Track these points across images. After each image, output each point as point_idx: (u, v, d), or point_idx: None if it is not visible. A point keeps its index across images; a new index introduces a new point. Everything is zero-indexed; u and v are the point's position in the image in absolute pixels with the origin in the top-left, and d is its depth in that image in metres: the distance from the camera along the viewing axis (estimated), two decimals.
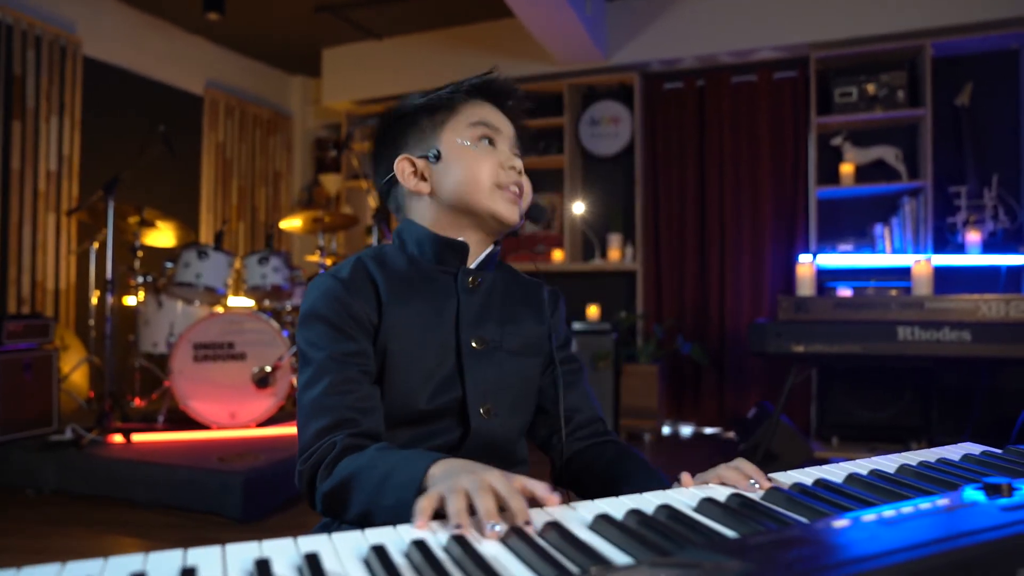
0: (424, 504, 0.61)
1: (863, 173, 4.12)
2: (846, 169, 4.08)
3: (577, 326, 4.40)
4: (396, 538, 0.54)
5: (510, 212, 0.97)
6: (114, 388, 3.51)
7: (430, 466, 0.71)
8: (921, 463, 0.77)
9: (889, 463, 0.78)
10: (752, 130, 4.42)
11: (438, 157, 0.97)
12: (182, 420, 3.46)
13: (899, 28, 3.93)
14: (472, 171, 0.96)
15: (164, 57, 4.87)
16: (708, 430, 4.51)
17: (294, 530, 2.76)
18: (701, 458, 3.84)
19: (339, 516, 0.81)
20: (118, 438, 3.16)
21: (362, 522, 0.75)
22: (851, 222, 4.22)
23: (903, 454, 0.83)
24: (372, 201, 4.14)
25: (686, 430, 4.55)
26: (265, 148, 5.71)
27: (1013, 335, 2.81)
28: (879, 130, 4.17)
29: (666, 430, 4.52)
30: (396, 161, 0.99)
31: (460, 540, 0.51)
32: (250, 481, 2.69)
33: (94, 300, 3.86)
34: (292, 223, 4.02)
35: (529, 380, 1.02)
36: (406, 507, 0.68)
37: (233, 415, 3.43)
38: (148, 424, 3.45)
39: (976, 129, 3.91)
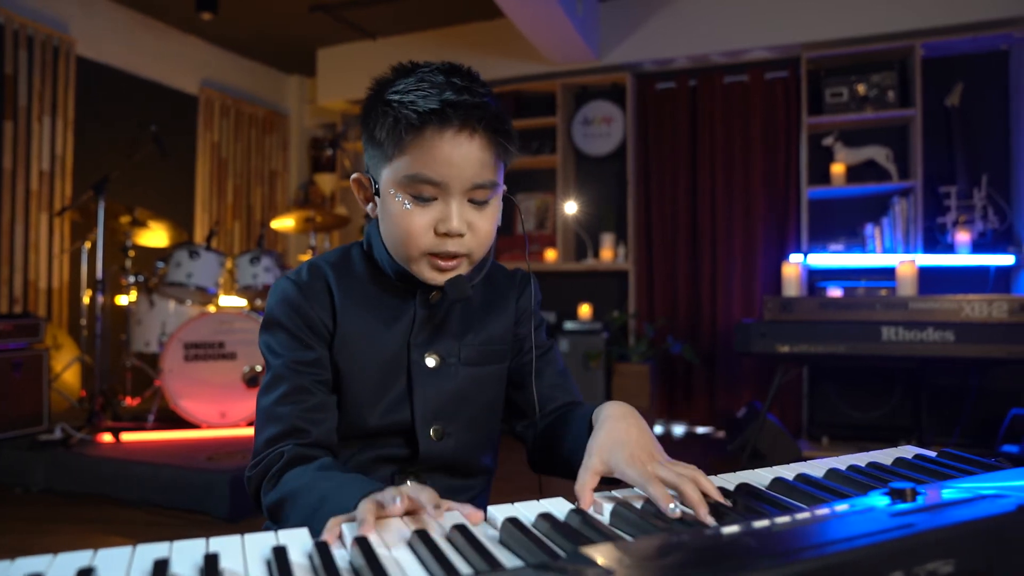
0: (332, 522, 0.60)
1: (854, 173, 4.12)
2: (837, 169, 4.08)
3: (569, 325, 4.42)
4: (306, 539, 0.56)
5: (433, 278, 0.89)
6: (105, 387, 3.53)
7: (363, 498, 0.68)
8: (850, 467, 0.78)
9: (820, 467, 0.79)
10: (744, 130, 4.42)
11: (378, 193, 0.90)
12: (172, 419, 3.48)
13: (889, 29, 3.93)
14: (399, 232, 0.87)
15: (158, 57, 4.89)
16: (700, 429, 4.52)
17: None
18: (693, 457, 3.83)
19: (281, 528, 0.81)
20: (108, 437, 3.18)
21: None
22: (842, 222, 4.22)
23: (840, 457, 0.84)
24: None
25: (678, 429, 4.56)
26: (261, 147, 5.72)
27: (995, 335, 2.82)
28: (870, 130, 4.17)
29: (658, 429, 4.53)
30: (352, 177, 0.95)
31: (362, 543, 0.52)
32: (237, 480, 2.71)
33: (86, 299, 3.88)
34: (284, 223, 4.04)
35: (491, 390, 0.99)
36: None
37: (223, 414, 3.45)
38: (138, 423, 3.47)
39: (966, 129, 3.91)
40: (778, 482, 0.72)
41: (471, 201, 0.86)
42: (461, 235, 0.86)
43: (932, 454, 0.83)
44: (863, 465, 0.79)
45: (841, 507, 0.55)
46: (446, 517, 0.61)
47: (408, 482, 0.72)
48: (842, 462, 0.81)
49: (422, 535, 0.53)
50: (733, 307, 4.39)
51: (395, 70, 0.88)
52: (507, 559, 0.52)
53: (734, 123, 4.44)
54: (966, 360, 2.91)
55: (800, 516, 0.52)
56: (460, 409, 0.95)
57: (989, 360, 2.86)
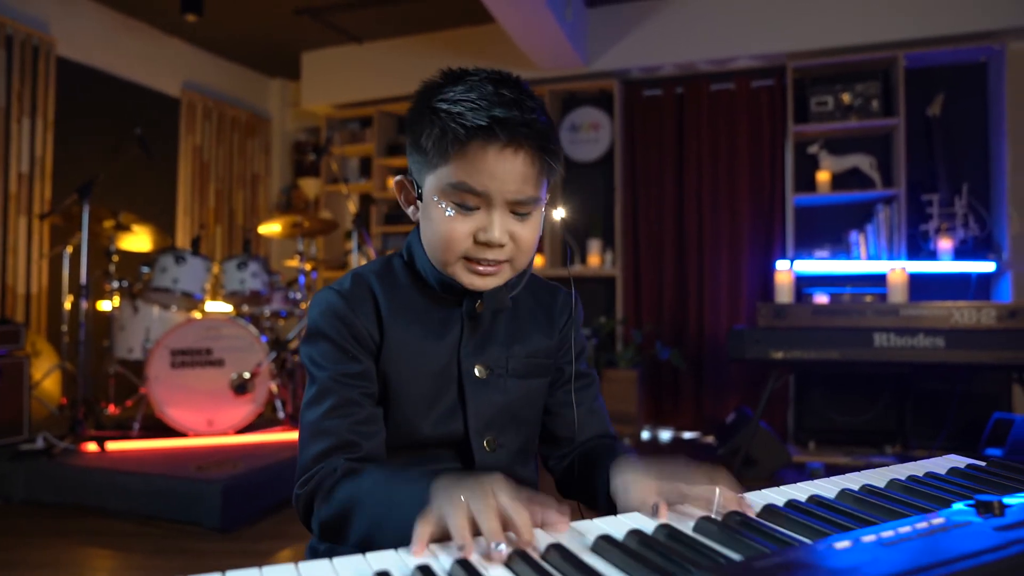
0: (422, 530, 0.59)
1: (839, 181, 4.19)
2: (822, 177, 4.14)
3: None
4: (399, 563, 0.54)
5: (472, 282, 0.88)
6: (87, 395, 3.44)
7: (434, 484, 0.68)
8: (910, 478, 0.78)
9: (878, 477, 0.79)
10: (730, 137, 4.47)
11: (420, 198, 0.89)
12: (158, 428, 3.40)
13: (873, 39, 4.01)
14: (439, 237, 0.86)
15: (140, 58, 4.80)
16: (687, 435, 4.55)
17: (274, 540, 2.67)
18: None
19: (338, 542, 0.79)
20: (92, 446, 3.10)
21: (362, 547, 0.74)
22: (827, 229, 4.29)
23: (893, 467, 0.85)
24: (352, 206, 4.12)
25: (665, 435, 4.58)
26: (243, 151, 5.64)
27: (984, 341, 2.88)
28: (854, 139, 4.24)
29: (645, 435, 4.55)
30: (395, 180, 0.94)
31: (464, 564, 0.50)
32: (229, 489, 2.66)
33: (67, 305, 3.78)
34: (271, 228, 3.98)
35: (536, 403, 0.99)
36: (412, 531, 0.67)
37: (211, 422, 3.38)
38: (123, 432, 3.39)
39: (947, 139, 4.00)
40: (846, 494, 0.72)
41: (513, 213, 0.87)
42: (501, 245, 0.86)
43: (982, 464, 0.84)
44: (921, 475, 0.79)
45: (938, 521, 0.54)
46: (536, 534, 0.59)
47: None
48: (899, 472, 0.81)
49: (522, 555, 0.52)
50: (720, 313, 4.43)
51: (444, 75, 0.88)
52: None
53: (720, 130, 4.49)
54: (956, 366, 2.97)
55: (903, 530, 0.52)
56: (510, 421, 0.95)
57: (978, 366, 2.92)
